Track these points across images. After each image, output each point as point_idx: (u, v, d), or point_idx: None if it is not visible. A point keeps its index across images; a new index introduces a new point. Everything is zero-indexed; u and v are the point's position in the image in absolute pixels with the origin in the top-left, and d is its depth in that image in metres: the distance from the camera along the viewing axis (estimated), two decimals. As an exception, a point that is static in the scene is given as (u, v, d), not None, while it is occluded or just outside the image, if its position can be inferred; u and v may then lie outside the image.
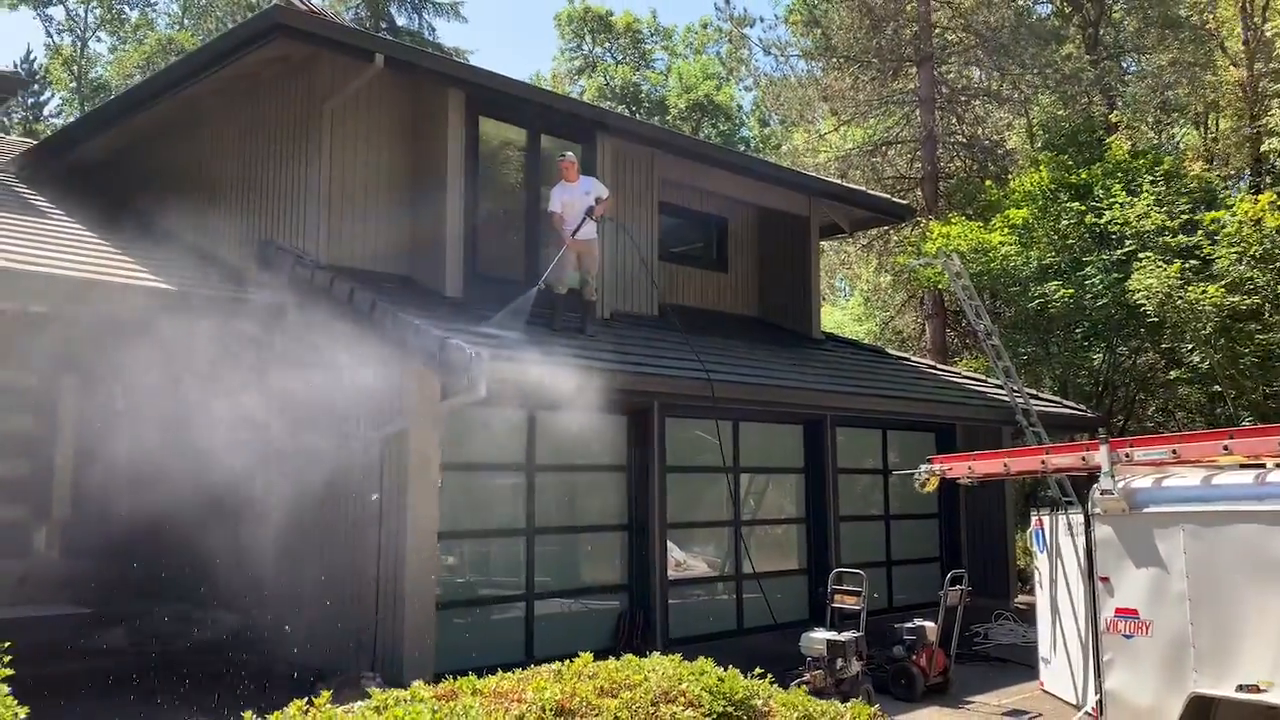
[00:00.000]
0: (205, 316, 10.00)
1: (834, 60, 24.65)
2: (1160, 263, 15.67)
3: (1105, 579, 7.22)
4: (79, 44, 39.09)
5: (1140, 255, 16.09)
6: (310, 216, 10.28)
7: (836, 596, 9.81)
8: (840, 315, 32.12)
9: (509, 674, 4.02)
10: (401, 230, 10.92)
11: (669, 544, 11.31)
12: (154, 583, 11.67)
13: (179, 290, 9.52)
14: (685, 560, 11.99)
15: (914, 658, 9.66)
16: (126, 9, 39.47)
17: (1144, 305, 15.69)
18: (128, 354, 11.94)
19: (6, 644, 3.66)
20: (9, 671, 3.51)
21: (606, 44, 45.03)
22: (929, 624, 9.90)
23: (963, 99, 24.58)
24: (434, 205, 10.75)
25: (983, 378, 16.36)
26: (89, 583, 11.35)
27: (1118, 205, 17.05)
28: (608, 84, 42.75)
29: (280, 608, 9.97)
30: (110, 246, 10.25)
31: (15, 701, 3.43)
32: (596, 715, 3.64)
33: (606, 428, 11.26)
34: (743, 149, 36.32)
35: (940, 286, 20.14)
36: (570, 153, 11.07)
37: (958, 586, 10.37)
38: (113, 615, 10.33)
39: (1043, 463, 8.53)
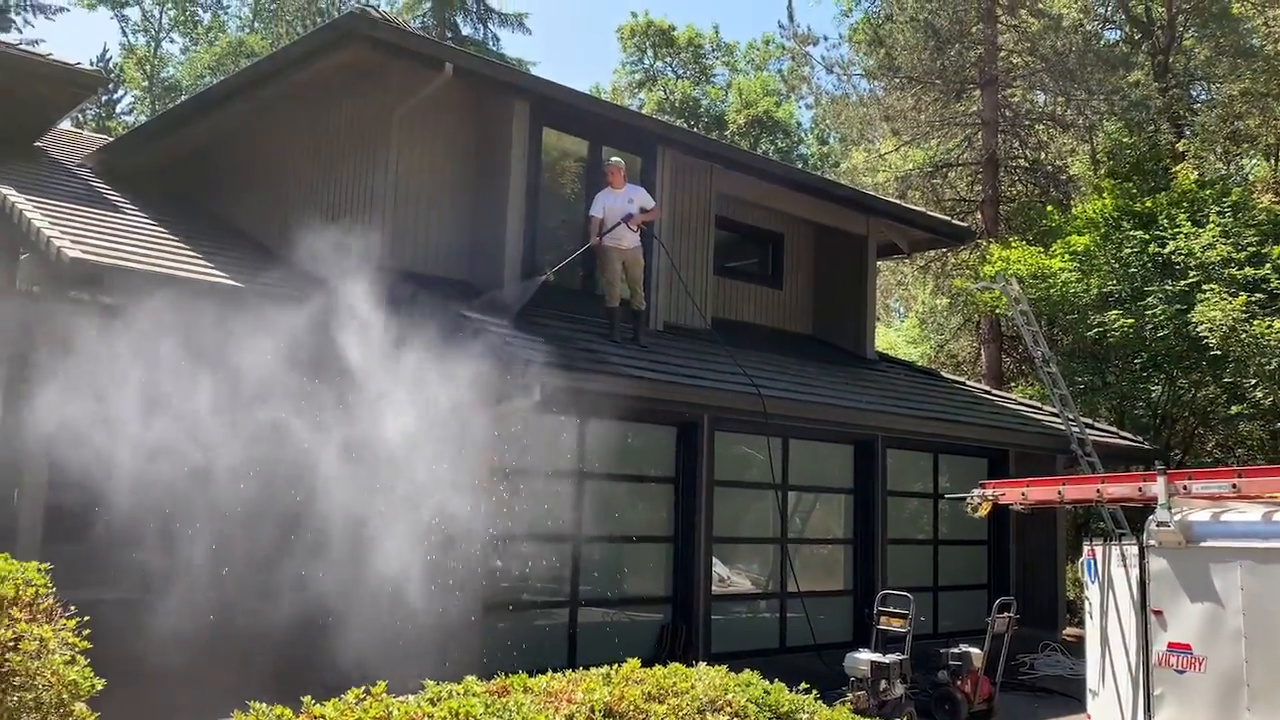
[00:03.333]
0: (269, 313, 10.21)
1: (896, 80, 24.55)
2: (1225, 295, 15.39)
3: (1158, 612, 7.12)
4: (153, 44, 40.12)
5: (1204, 287, 15.81)
6: (375, 219, 10.47)
7: (882, 618, 9.75)
8: (894, 336, 31.89)
9: (559, 675, 4.08)
10: (462, 236, 11.09)
11: (713, 559, 11.31)
12: (209, 573, 11.90)
13: (245, 287, 9.74)
14: (729, 576, 11.97)
15: (958, 683, 9.56)
16: (199, 11, 40.47)
17: (1206, 338, 15.42)
18: (192, 347, 12.23)
19: (86, 617, 3.82)
20: (88, 645, 3.67)
21: (668, 58, 45.21)
22: (975, 650, 9.80)
23: (1026, 123, 24.33)
24: (495, 212, 10.90)
25: (1038, 405, 16.17)
26: (145, 570, 11.60)
27: (1182, 235, 16.78)
28: (667, 98, 42.94)
29: (330, 603, 10.12)
30: (179, 241, 10.51)
31: (92, 673, 3.57)
32: (644, 719, 3.68)
33: (656, 439, 11.31)
34: (801, 166, 36.25)
35: (998, 311, 19.94)
36: (617, 159, 11.04)
37: (1005, 614, 10.25)
38: (168, 603, 10.54)
39: (1098, 492, 8.43)
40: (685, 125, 37.71)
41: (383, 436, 9.84)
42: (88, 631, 3.86)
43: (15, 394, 11.86)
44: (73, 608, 4.05)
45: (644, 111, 37.33)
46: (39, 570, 4.06)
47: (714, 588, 11.25)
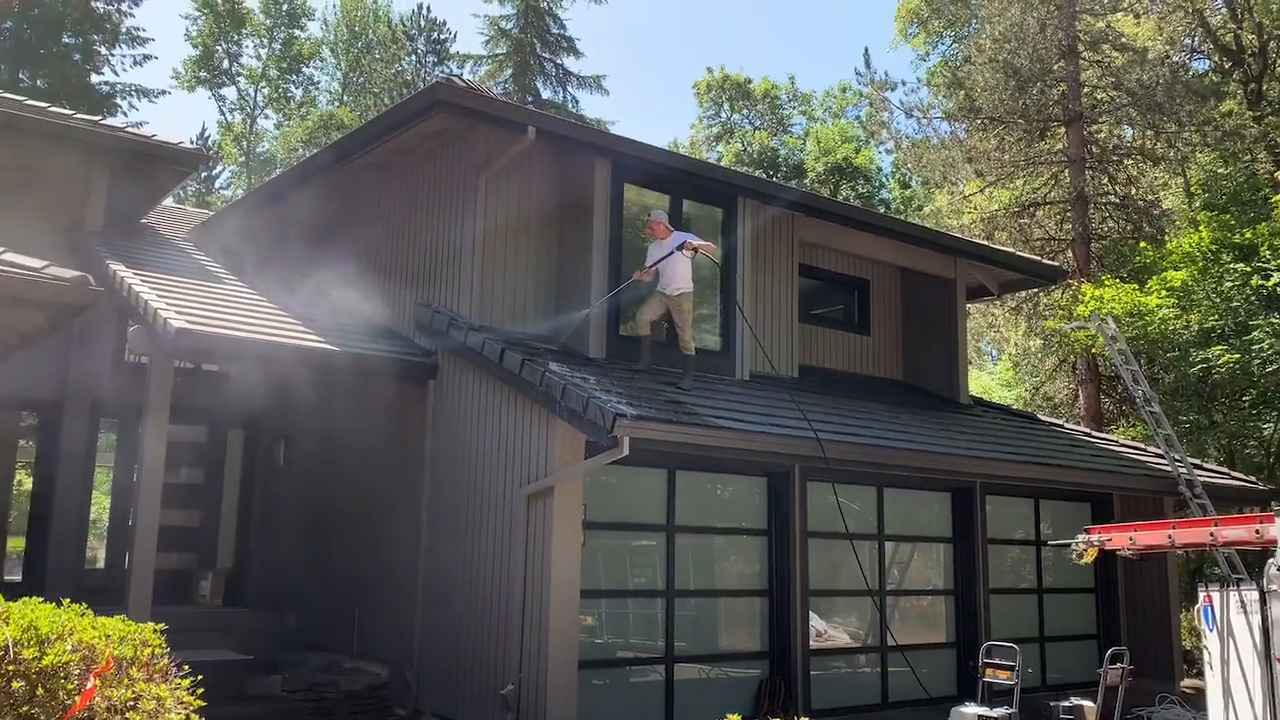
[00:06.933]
0: (364, 375, 10.48)
1: (978, 121, 24.30)
2: (1336, 327, 14.77)
3: (1285, 661, 6.76)
4: (248, 121, 41.88)
5: (1315, 319, 15.21)
6: (464, 280, 10.68)
7: (987, 670, 9.46)
8: (988, 380, 31.25)
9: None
10: (548, 292, 11.25)
11: (810, 613, 11.12)
12: (308, 632, 12.13)
13: (341, 350, 10.00)
14: (826, 630, 11.74)
15: (1072, 739, 9.20)
16: (291, 88, 42.18)
17: (1319, 372, 14.79)
18: (291, 411, 12.60)
19: (199, 676, 3.92)
20: (201, 703, 3.76)
21: (745, 110, 45.58)
22: (1087, 703, 9.45)
23: (1115, 158, 23.84)
24: (579, 269, 11.04)
25: (1142, 446, 15.64)
26: (249, 631, 11.88)
27: (1287, 266, 16.18)
28: (745, 149, 43.20)
29: (427, 660, 10.21)
30: (278, 309, 10.86)
31: (203, 732, 3.66)
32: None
33: (746, 490, 11.21)
34: (883, 211, 36.04)
35: (1094, 351, 19.42)
36: (658, 211, 11.02)
37: (1118, 665, 9.86)
38: (270, 663, 10.75)
39: (1211, 535, 8.10)
40: (764, 175, 37.85)
41: (472, 493, 9.96)
42: (201, 690, 3.97)
43: (127, 458, 12.34)
44: (186, 667, 4.17)
45: (722, 164, 37.61)
46: (155, 631, 4.18)
47: (811, 642, 11.04)
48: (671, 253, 10.52)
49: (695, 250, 10.56)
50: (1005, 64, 23.18)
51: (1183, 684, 14.02)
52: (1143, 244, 20.62)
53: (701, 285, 11.77)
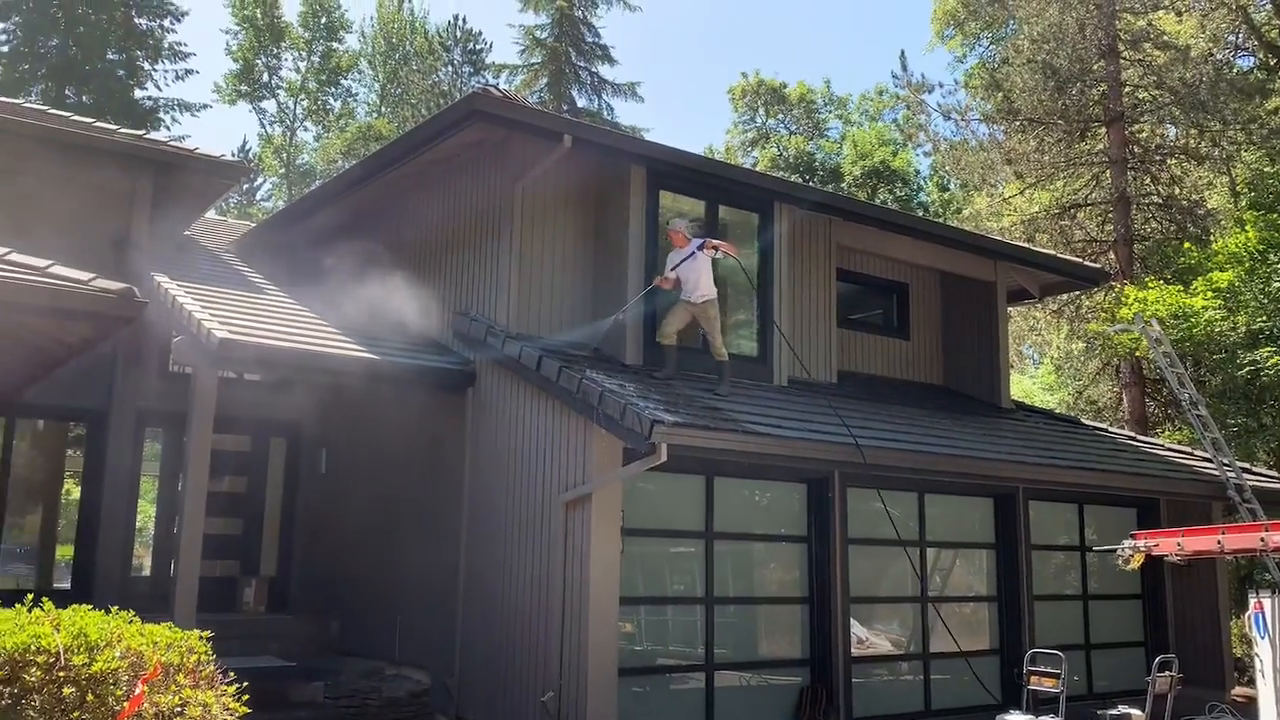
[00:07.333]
0: (404, 384, 10.56)
1: (1017, 123, 24.06)
2: (1389, 327, 14.45)
3: (1341, 670, 6.62)
4: (288, 134, 42.35)
5: (1366, 319, 14.89)
6: (501, 288, 10.73)
7: (1032, 678, 9.35)
8: (1030, 384, 30.89)
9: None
10: (584, 299, 11.26)
11: (851, 620, 11.03)
12: (350, 639, 12.23)
13: (381, 359, 10.08)
14: (867, 638, 11.65)
15: (1120, 748, 9.06)
16: (330, 100, 42.62)
17: (1372, 373, 14.48)
18: (332, 419, 12.71)
19: (244, 683, 3.97)
20: (246, 710, 3.81)
21: (780, 115, 45.43)
22: (1135, 711, 9.31)
23: (1157, 158, 23.49)
24: (615, 275, 11.04)
25: (1188, 450, 15.39)
26: (292, 637, 11.99)
27: (1338, 266, 15.88)
28: (781, 154, 43.04)
29: (468, 667, 10.25)
30: (318, 318, 10.97)
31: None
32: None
33: (785, 496, 11.16)
34: (922, 214, 35.76)
35: (1138, 354, 19.14)
36: (676, 220, 10.90)
37: (1167, 673, 9.70)
38: (313, 669, 10.84)
39: (1262, 540, 7.96)
40: (800, 180, 37.70)
41: (511, 501, 9.99)
42: (245, 697, 4.02)
43: (172, 467, 12.52)
44: (232, 674, 4.21)
45: (758, 169, 37.53)
46: (200, 638, 4.23)
47: (853, 649, 10.96)
48: (692, 253, 10.47)
49: (716, 248, 10.51)
50: (1044, 65, 22.94)
51: (1233, 692, 13.76)
52: (1187, 245, 20.32)
53: (738, 290, 11.77)
